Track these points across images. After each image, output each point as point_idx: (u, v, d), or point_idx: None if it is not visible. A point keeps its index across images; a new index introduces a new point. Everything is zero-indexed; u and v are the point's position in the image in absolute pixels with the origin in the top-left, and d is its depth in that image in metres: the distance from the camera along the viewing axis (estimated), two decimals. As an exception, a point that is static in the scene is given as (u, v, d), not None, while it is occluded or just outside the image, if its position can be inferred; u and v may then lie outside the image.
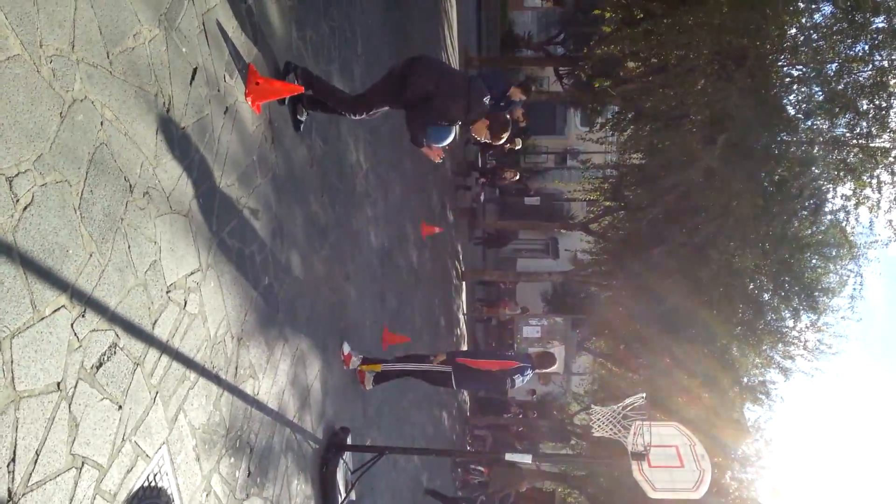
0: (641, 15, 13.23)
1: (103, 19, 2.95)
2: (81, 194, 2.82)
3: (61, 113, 2.70)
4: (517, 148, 14.24)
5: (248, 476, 4.56)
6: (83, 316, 2.85)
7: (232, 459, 4.29)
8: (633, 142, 14.07)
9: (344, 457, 6.41)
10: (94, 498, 2.93)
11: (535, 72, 19.95)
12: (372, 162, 7.66)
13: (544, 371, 7.29)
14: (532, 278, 16.72)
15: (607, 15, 14.13)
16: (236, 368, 4.32)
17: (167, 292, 3.47)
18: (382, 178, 8.18)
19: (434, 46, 11.78)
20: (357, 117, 5.33)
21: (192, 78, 3.71)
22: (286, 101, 5.09)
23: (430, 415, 9.78)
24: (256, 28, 4.56)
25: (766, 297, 13.69)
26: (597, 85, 13.97)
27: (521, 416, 19.33)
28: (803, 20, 11.61)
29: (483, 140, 5.42)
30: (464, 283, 15.78)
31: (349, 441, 6.53)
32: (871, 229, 12.31)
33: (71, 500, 2.78)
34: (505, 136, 5.40)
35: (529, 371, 6.99)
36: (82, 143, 2.82)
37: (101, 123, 2.94)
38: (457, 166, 15.39)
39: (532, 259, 25.95)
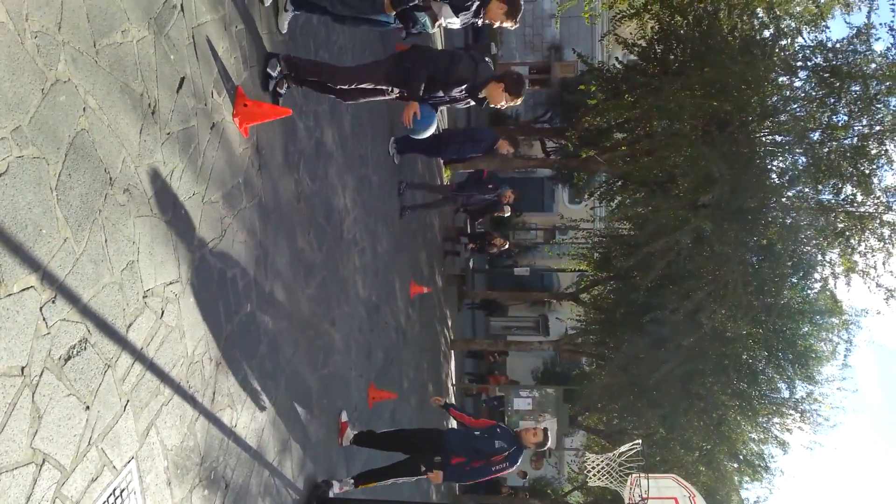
0: (625, 87, 13.63)
1: (92, 9, 2.96)
2: (59, 176, 2.75)
3: (43, 90, 2.66)
4: (506, 215, 14.35)
5: (223, 513, 4.29)
6: (53, 302, 2.72)
7: (206, 492, 4.05)
8: (621, 210, 14.21)
9: (326, 510, 6.11)
10: (54, 501, 2.72)
11: (524, 149, 20.35)
12: (360, 211, 7.65)
13: (536, 450, 7.02)
14: (522, 347, 16.54)
15: (592, 88, 14.54)
16: (213, 394, 4.13)
17: (143, 297, 3.35)
18: (371, 229, 8.15)
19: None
20: (339, 87, 5.21)
21: (180, 86, 3.71)
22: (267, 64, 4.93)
23: (417, 486, 9.38)
24: (246, 53, 4.61)
25: (760, 366, 13.51)
26: (583, 155, 14.23)
27: (512, 494, 18.72)
28: (785, 92, 11.97)
29: (504, 105, 5.26)
30: (452, 352, 15.55)
31: (331, 495, 6.23)
32: (860, 295, 12.30)
33: (28, 498, 2.58)
34: (523, 95, 5.30)
35: (519, 456, 6.65)
36: (63, 124, 2.77)
37: (84, 109, 2.90)
38: (446, 232, 15.45)
39: (522, 337, 25.68)
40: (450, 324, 15.82)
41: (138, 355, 3.31)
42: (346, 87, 5.24)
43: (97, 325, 3.00)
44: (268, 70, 4.87)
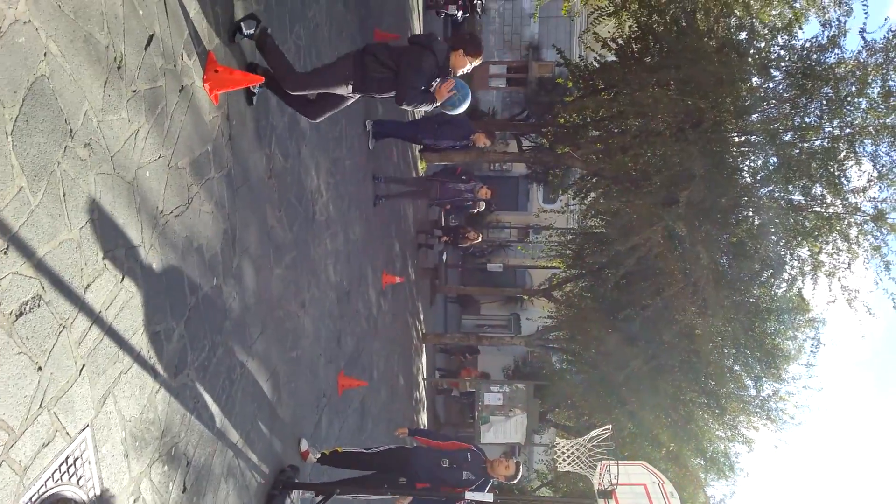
0: (602, 84, 13.66)
1: (54, -50, 2.82)
2: (15, 120, 2.61)
3: (1, 28, 2.52)
4: (481, 210, 14.30)
5: (183, 492, 4.15)
6: (5, 253, 2.58)
7: (166, 468, 3.91)
8: (595, 207, 14.23)
9: (292, 496, 5.97)
10: (1, 464, 2.58)
11: (500, 146, 20.31)
12: (333, 193, 7.52)
13: (505, 482, 6.77)
14: (494, 342, 16.53)
15: (569, 84, 14.56)
16: (176, 367, 3.99)
17: (103, 259, 3.21)
18: (343, 213, 8.03)
19: (402, 116, 11.85)
20: (291, 91, 5.15)
21: (148, 44, 3.57)
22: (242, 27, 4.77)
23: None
24: (219, 18, 4.48)
25: (728, 363, 13.62)
26: (559, 151, 14.23)
27: None
28: (758, 93, 12.08)
29: (469, 68, 5.38)
30: (424, 346, 15.45)
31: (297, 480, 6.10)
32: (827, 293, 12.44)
33: (-28, 459, 2.44)
34: (481, 53, 5.44)
35: (486, 486, 6.38)
36: (21, 67, 2.63)
37: (45, 55, 2.77)
38: (420, 224, 15.36)
39: (494, 335, 25.70)
40: (422, 317, 15.72)
41: (96, 319, 3.17)
42: (297, 90, 5.23)
43: (52, 282, 2.86)
44: (241, 24, 4.73)
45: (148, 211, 3.61)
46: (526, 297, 22.68)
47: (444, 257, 18.05)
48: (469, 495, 5.94)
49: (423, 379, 15.44)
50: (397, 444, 7.16)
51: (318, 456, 6.55)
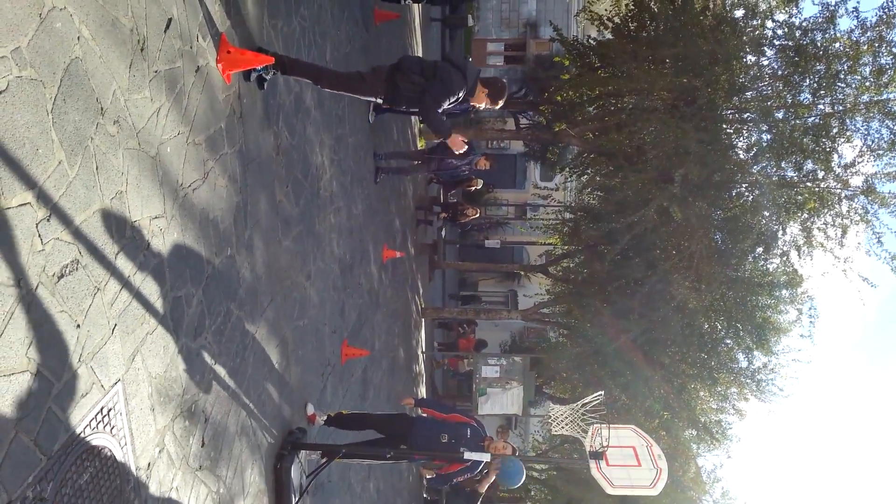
0: (599, 63, 13.85)
1: (85, -59, 3.05)
2: (54, 100, 2.86)
3: (41, 14, 2.76)
4: (478, 188, 14.53)
5: (202, 447, 4.46)
6: (48, 220, 2.85)
7: (186, 423, 4.20)
8: (591, 184, 14.47)
9: (300, 456, 6.29)
10: (47, 411, 2.87)
11: (497, 124, 20.51)
12: (336, 170, 7.77)
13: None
14: (491, 316, 16.85)
15: (566, 62, 14.73)
16: (195, 330, 4.28)
17: (131, 227, 3.48)
18: (346, 189, 8.28)
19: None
20: (324, 88, 5.51)
21: (167, 27, 3.81)
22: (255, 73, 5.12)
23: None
24: (230, 1, 4.70)
25: (720, 336, 13.94)
26: (556, 128, 14.44)
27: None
28: (752, 70, 12.28)
29: (483, 106, 5.67)
30: (423, 320, 15.78)
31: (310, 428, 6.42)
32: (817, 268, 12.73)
33: (21, 405, 2.72)
34: (502, 101, 5.70)
35: (480, 463, 6.59)
36: (59, 50, 2.88)
37: (78, 38, 3.01)
38: (419, 200, 15.60)
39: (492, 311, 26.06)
40: (421, 292, 16.03)
41: (125, 283, 3.44)
42: (332, 89, 5.51)
43: (88, 248, 3.13)
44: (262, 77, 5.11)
45: (169, 184, 3.87)
46: (523, 274, 22.98)
47: (443, 233, 18.32)
48: (468, 455, 6.26)
49: (423, 352, 15.78)
50: (400, 412, 7.48)
51: (325, 418, 6.87)
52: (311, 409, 6.79)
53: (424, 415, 7.40)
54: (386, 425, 7.01)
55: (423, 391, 16.88)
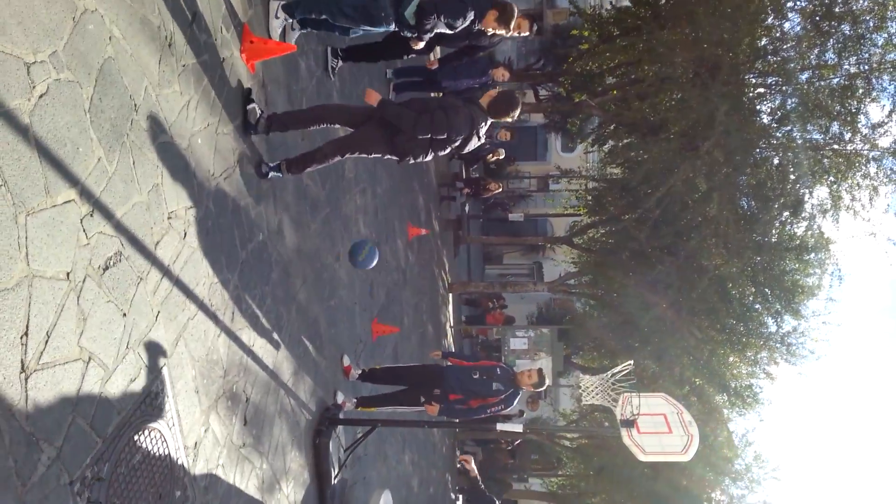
0: (618, 32, 13.71)
1: (112, -57, 3.15)
2: (91, 99, 2.98)
3: (74, 18, 2.87)
4: (501, 158, 14.53)
5: (245, 425, 4.63)
6: (91, 215, 2.98)
7: (229, 403, 4.37)
8: (612, 155, 14.40)
9: (337, 431, 6.48)
10: (100, 396, 3.03)
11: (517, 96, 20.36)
12: (360, 151, 7.85)
13: (533, 390, 7.26)
14: (518, 289, 16.94)
15: (585, 33, 14.60)
16: (233, 314, 4.43)
17: (168, 218, 3.61)
18: (370, 169, 8.38)
19: (416, 61, 11.98)
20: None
21: (192, 21, 3.90)
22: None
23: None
24: (251, -9, 4.79)
25: (749, 301, 13.90)
26: (576, 99, 14.35)
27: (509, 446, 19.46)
28: (774, 33, 12.09)
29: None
30: (450, 295, 15.91)
31: (341, 415, 6.59)
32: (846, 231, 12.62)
33: (78, 391, 2.88)
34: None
35: (514, 398, 6.87)
36: (93, 51, 2.99)
37: (110, 38, 3.12)
38: (441, 177, 15.66)
39: (518, 282, 26.14)
40: (447, 267, 16.15)
41: (166, 272, 3.58)
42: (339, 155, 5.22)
43: (129, 240, 3.26)
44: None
45: (201, 174, 4.00)
46: (548, 246, 22.97)
47: (467, 209, 18.35)
48: (500, 426, 6.40)
49: (451, 327, 15.94)
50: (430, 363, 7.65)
51: (360, 372, 7.05)
52: (346, 361, 6.98)
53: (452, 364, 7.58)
54: (417, 375, 7.18)
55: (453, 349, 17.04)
